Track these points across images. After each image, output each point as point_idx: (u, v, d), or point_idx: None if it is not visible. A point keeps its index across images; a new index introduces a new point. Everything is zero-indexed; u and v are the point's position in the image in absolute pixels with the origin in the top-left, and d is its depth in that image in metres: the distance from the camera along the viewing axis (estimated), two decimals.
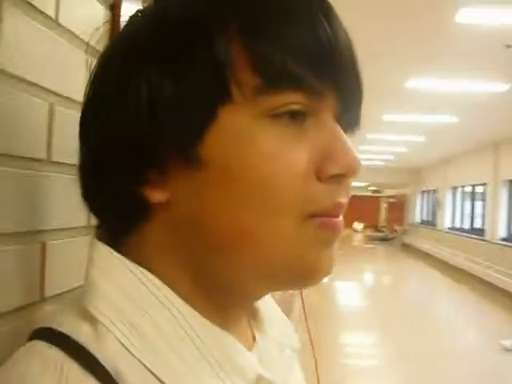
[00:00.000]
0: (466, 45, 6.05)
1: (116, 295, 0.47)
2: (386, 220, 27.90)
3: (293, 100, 0.46)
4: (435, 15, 5.24)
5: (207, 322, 0.49)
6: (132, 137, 0.46)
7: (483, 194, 16.03)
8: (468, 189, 17.91)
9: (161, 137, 0.46)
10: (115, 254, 0.49)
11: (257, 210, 0.46)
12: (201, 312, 0.49)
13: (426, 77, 7.69)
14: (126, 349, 0.45)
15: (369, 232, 27.72)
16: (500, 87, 7.91)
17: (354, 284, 13.40)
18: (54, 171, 0.70)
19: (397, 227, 25.91)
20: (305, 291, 0.73)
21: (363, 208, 27.49)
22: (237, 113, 0.46)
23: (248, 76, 0.45)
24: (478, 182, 16.17)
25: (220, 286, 0.50)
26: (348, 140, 0.49)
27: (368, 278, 15.40)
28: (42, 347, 0.45)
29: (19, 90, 0.63)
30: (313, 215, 0.47)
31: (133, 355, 0.45)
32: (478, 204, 16.69)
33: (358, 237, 27.03)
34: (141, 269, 0.48)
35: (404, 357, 6.84)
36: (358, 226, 28.40)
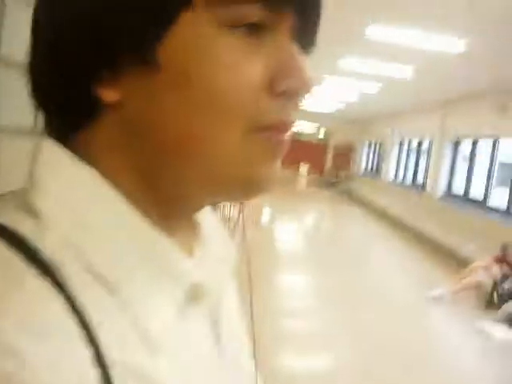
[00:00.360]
0: None
1: (61, 191, 0.47)
2: (332, 166, 28.18)
3: (252, 12, 0.46)
4: None
5: (148, 225, 0.49)
6: (89, 30, 0.46)
7: (428, 150, 16.35)
8: (414, 145, 18.22)
9: (118, 33, 0.45)
10: (62, 149, 0.49)
11: (207, 117, 0.47)
12: (143, 215, 0.49)
13: (387, 25, 7.61)
14: (69, 243, 0.45)
15: (313, 177, 28.03)
16: (456, 47, 7.97)
17: (294, 227, 13.63)
18: (1, 68, 0.67)
19: (342, 173, 26.29)
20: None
21: (310, 152, 27.67)
22: (197, 20, 0.46)
23: None
24: (425, 139, 16.48)
25: (163, 190, 0.51)
26: (302, 59, 0.50)
27: (308, 221, 15.68)
28: None
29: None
30: (261, 128, 0.49)
31: (76, 249, 0.45)
32: (422, 160, 17.06)
33: (304, 181, 27.32)
34: (88, 167, 0.48)
35: (334, 300, 7.07)
36: (302, 169, 28.62)
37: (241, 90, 0.46)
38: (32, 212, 0.46)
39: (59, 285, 0.42)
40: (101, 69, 0.46)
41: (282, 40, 0.49)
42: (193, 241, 0.59)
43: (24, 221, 0.45)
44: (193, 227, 0.61)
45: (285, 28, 0.49)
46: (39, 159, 0.49)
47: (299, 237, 12.23)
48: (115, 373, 0.42)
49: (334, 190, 24.95)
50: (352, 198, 22.44)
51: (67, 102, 0.49)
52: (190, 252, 0.57)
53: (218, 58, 0.46)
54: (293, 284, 7.84)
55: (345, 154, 27.43)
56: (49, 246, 0.44)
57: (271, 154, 0.51)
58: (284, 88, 0.49)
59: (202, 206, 0.57)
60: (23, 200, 0.47)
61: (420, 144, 17.44)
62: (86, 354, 0.40)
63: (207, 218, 0.64)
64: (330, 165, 28.02)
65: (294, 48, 0.50)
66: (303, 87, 0.50)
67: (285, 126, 0.50)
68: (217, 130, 0.47)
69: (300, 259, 9.48)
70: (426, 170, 15.90)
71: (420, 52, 8.69)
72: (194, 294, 0.52)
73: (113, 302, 0.45)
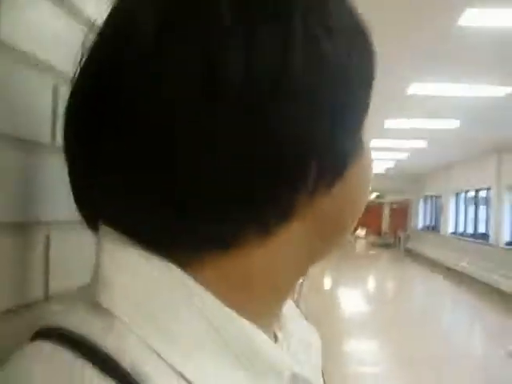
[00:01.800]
0: (468, 48, 6.03)
1: (132, 287, 0.41)
2: (389, 226, 27.82)
3: None
4: (439, 18, 5.22)
5: (234, 314, 0.43)
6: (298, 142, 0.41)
7: (486, 198, 15.98)
8: (471, 194, 17.86)
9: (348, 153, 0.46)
10: (129, 242, 0.42)
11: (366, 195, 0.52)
12: (235, 310, 0.43)
13: (428, 82, 7.67)
14: (148, 346, 0.39)
15: (372, 238, 27.65)
16: (499, 91, 7.89)
17: (358, 289, 13.35)
18: (58, 158, 0.66)
19: (400, 233, 25.83)
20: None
21: (366, 214, 27.34)
22: None
23: None
24: (481, 187, 16.13)
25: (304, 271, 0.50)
26: None
27: (371, 282, 15.34)
28: (47, 348, 0.39)
29: (22, 66, 0.59)
30: None
31: (157, 354, 0.39)
32: (481, 209, 16.65)
33: (361, 243, 26.95)
34: (163, 261, 0.42)
35: (407, 363, 6.79)
36: (360, 232, 28.32)
37: None
38: (100, 313, 0.40)
39: None
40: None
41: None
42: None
43: (95, 324, 0.40)
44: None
45: None
46: (103, 252, 0.43)
47: (363, 300, 11.94)
48: None
49: (393, 250, 24.49)
50: (412, 255, 21.92)
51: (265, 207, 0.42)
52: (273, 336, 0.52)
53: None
54: (363, 349, 7.59)
55: (401, 212, 27.07)
56: (125, 352, 0.38)
57: None
58: None
59: None
60: (91, 300, 0.42)
61: (477, 192, 17.07)
62: None
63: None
64: (387, 224, 27.66)
65: None
66: None
67: None
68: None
69: (367, 323, 9.21)
70: (488, 219, 15.48)
71: (464, 101, 8.63)
72: None
73: None
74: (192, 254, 0.42)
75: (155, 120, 0.39)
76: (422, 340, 7.90)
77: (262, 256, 0.44)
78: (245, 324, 0.43)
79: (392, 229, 27.14)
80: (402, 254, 23.26)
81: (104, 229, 0.44)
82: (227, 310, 0.43)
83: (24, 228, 0.61)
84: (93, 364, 0.37)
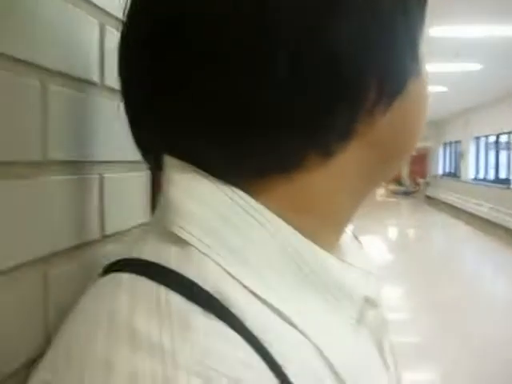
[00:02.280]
0: None
1: (204, 213, 0.41)
2: (409, 173, 27.67)
3: None
4: None
5: (310, 243, 0.43)
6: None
7: (508, 143, 15.78)
8: (492, 139, 17.64)
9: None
10: (196, 169, 0.42)
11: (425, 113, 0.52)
12: (303, 233, 0.43)
13: (449, 24, 7.50)
14: (225, 271, 0.39)
15: (391, 186, 27.58)
16: None
17: (378, 235, 13.39)
18: (107, 97, 0.66)
19: (420, 180, 25.72)
20: None
21: None
22: None
23: None
24: (503, 131, 15.91)
25: (364, 196, 0.49)
26: None
27: (392, 230, 15.36)
28: (125, 279, 0.38)
29: (71, 5, 0.58)
30: None
31: (234, 278, 0.39)
32: (503, 154, 16.47)
33: (381, 192, 26.90)
34: (233, 187, 0.42)
35: (432, 308, 6.85)
36: None
37: None
38: (173, 241, 0.40)
39: (234, 322, 0.36)
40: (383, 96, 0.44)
41: None
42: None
43: (172, 253, 0.40)
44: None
45: None
46: (171, 180, 0.43)
47: (384, 247, 11.99)
48: None
49: (414, 198, 24.44)
50: (432, 202, 21.85)
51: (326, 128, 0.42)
52: None
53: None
54: (387, 296, 7.65)
55: (420, 159, 26.87)
56: (205, 277, 0.38)
57: None
58: None
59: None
60: (163, 230, 0.41)
61: (498, 137, 16.85)
62: None
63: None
64: (407, 172, 27.51)
65: None
66: None
67: None
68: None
69: (391, 270, 9.27)
70: (509, 164, 15.32)
71: (485, 42, 8.45)
72: (363, 312, 0.47)
73: (293, 337, 0.39)
74: (257, 180, 0.42)
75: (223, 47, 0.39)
76: (446, 285, 7.94)
77: (323, 180, 0.44)
78: (317, 249, 0.44)
79: (412, 176, 27.00)
80: (421, 201, 23.21)
81: (169, 160, 0.44)
82: (299, 235, 0.43)
83: (78, 167, 0.61)
84: (176, 290, 0.37)
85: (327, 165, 0.43)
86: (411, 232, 15.32)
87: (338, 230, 0.50)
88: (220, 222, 0.41)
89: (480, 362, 5.12)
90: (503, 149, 16.47)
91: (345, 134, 0.42)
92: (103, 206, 0.65)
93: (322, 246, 0.44)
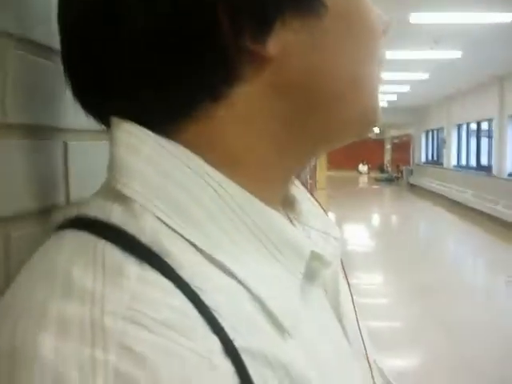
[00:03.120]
0: None
1: (148, 170, 0.41)
2: (391, 161, 27.84)
3: None
4: None
5: (253, 198, 0.44)
6: None
7: (489, 130, 15.91)
8: (473, 126, 17.77)
9: None
10: (140, 128, 0.43)
11: (363, 56, 0.48)
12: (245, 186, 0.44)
13: (429, 11, 7.52)
14: (167, 225, 0.40)
15: (374, 174, 27.71)
16: (504, 18, 7.73)
17: (362, 224, 13.46)
18: None
19: (402, 167, 25.87)
20: None
21: (368, 150, 27.37)
22: None
23: None
24: (483, 118, 16.04)
25: (298, 148, 0.48)
26: None
27: (375, 217, 15.46)
28: (69, 234, 0.41)
29: None
30: (381, 63, 0.51)
31: (175, 231, 0.40)
32: (484, 141, 16.60)
33: (364, 179, 27.03)
34: (174, 142, 0.43)
35: (414, 293, 6.91)
36: (362, 168, 28.36)
37: (378, 26, 0.50)
38: (117, 198, 0.41)
39: (168, 270, 0.37)
40: (267, 21, 0.42)
41: None
42: (289, 214, 0.55)
43: (114, 209, 0.41)
44: (290, 201, 0.56)
45: None
46: (116, 140, 0.43)
47: (368, 233, 12.06)
48: (248, 361, 0.37)
49: (396, 184, 24.59)
50: (415, 189, 22.01)
51: (212, 64, 0.42)
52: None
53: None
54: (370, 281, 7.71)
55: (403, 147, 27.04)
56: (144, 231, 0.39)
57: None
58: (386, 27, 0.52)
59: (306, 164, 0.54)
60: (109, 188, 0.42)
61: (479, 124, 16.98)
62: (213, 343, 0.36)
63: (302, 193, 0.59)
64: (389, 159, 27.66)
65: None
66: (388, 27, 0.52)
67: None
68: (369, 67, 0.49)
69: (376, 255, 9.34)
70: (490, 151, 15.46)
71: (466, 29, 8.49)
72: (313, 269, 0.47)
73: (230, 285, 0.40)
74: (174, 130, 0.44)
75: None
76: (428, 270, 8.01)
77: (231, 125, 0.44)
78: (260, 204, 0.44)
79: (394, 164, 27.16)
80: (404, 188, 23.36)
81: (112, 120, 0.45)
82: (243, 190, 0.44)
83: (42, 132, 0.61)
84: (114, 243, 0.38)
85: (232, 110, 0.44)
86: (394, 219, 15.43)
87: (277, 187, 0.50)
88: (163, 178, 0.42)
89: (460, 346, 5.19)
90: (484, 136, 16.61)
91: (226, 76, 0.43)
92: (68, 173, 0.65)
93: (266, 204, 0.45)
